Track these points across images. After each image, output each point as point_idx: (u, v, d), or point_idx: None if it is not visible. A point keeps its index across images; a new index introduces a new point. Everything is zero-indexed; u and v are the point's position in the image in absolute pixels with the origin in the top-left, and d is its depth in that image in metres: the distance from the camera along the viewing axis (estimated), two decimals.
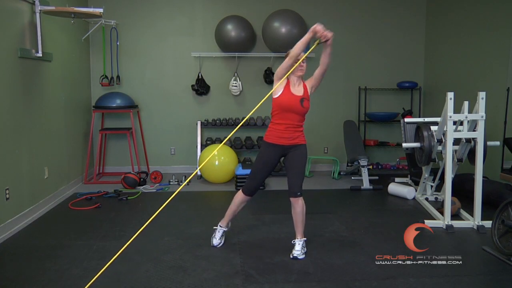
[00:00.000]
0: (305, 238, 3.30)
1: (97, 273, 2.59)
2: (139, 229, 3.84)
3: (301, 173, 3.25)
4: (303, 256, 3.22)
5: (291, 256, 3.21)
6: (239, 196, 3.37)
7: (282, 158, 3.37)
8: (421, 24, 6.57)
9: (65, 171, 5.10)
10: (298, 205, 3.20)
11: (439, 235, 3.71)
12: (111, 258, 3.20)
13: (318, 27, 3.02)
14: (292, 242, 3.29)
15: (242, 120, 6.23)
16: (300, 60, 3.14)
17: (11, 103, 3.87)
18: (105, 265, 3.07)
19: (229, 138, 3.44)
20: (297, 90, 3.27)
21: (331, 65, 6.75)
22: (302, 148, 3.28)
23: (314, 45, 3.15)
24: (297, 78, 3.28)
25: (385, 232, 3.80)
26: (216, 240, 3.47)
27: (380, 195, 5.17)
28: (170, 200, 2.78)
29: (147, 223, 2.73)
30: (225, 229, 3.50)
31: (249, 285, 2.80)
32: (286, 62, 3.11)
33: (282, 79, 3.19)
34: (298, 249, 3.23)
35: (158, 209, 2.76)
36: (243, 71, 6.35)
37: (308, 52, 3.13)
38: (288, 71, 3.13)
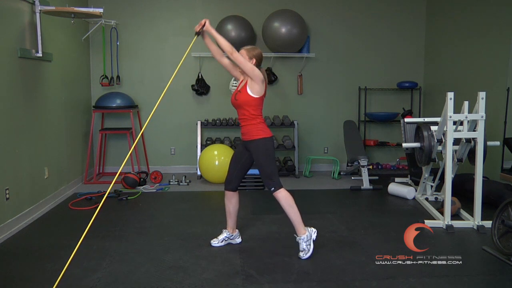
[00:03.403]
0: (300, 236, 3.23)
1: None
2: (139, 229, 3.87)
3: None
4: (307, 256, 3.19)
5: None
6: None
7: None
8: (421, 24, 6.57)
9: (65, 171, 5.10)
10: (281, 197, 3.19)
11: (439, 235, 3.71)
12: (111, 258, 3.21)
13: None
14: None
15: None
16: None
17: (11, 103, 3.87)
18: (105, 265, 3.08)
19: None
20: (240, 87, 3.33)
21: (331, 65, 6.79)
22: (251, 145, 3.24)
23: (195, 38, 3.25)
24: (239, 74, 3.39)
25: (385, 232, 3.80)
26: (217, 241, 3.47)
27: (380, 195, 5.17)
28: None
29: None
30: (227, 234, 3.48)
31: (249, 285, 2.80)
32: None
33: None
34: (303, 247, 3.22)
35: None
36: None
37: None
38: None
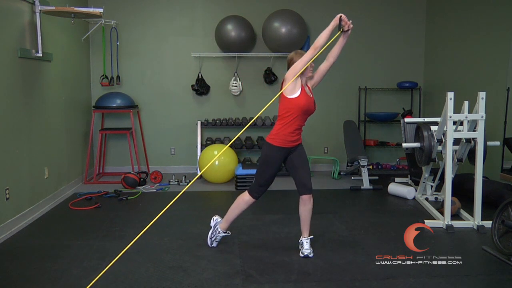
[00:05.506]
0: (311, 236, 3.29)
1: (98, 274, 2.59)
2: (139, 229, 3.86)
3: (309, 169, 3.26)
4: (313, 254, 3.22)
5: (301, 255, 3.20)
6: (246, 199, 3.25)
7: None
8: (421, 24, 6.56)
9: (65, 171, 5.10)
10: (310, 202, 3.17)
11: (439, 235, 3.71)
12: (111, 258, 3.20)
13: (343, 15, 3.02)
14: (299, 241, 3.28)
15: (242, 120, 6.23)
16: (322, 50, 3.02)
17: (11, 103, 3.87)
18: (105, 265, 3.07)
19: (234, 139, 3.40)
20: (308, 91, 3.24)
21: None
22: (301, 147, 3.27)
23: (338, 34, 3.05)
24: (306, 79, 3.23)
25: (385, 232, 3.80)
26: (214, 242, 3.44)
27: (380, 195, 5.17)
28: (172, 202, 2.78)
29: (149, 225, 2.73)
30: (224, 234, 3.44)
31: (249, 285, 2.80)
32: (309, 54, 2.98)
33: (296, 75, 3.02)
34: (307, 248, 3.22)
35: (159, 209, 2.77)
36: (243, 71, 6.35)
37: (332, 40, 3.01)
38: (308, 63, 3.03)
